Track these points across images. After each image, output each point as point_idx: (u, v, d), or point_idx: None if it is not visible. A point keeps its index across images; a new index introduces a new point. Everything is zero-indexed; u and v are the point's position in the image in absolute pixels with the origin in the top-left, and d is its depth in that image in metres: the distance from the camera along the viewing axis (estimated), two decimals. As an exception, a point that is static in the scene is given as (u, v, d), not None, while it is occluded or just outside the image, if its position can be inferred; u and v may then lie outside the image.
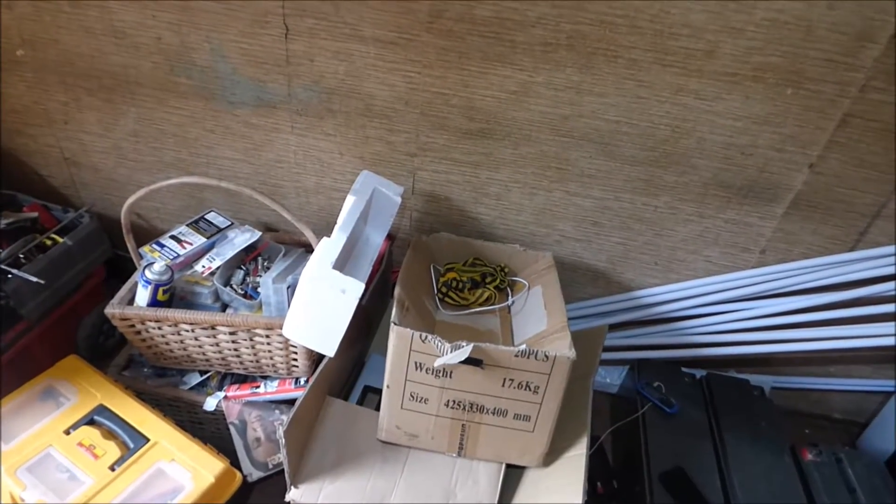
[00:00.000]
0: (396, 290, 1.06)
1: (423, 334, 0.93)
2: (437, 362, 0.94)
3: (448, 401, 0.99)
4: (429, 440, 1.04)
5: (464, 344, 0.92)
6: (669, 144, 1.15)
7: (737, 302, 1.34)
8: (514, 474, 1.08)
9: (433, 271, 1.30)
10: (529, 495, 1.04)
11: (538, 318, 1.14)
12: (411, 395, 0.99)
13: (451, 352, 0.92)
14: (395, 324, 0.94)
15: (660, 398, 1.29)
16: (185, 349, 1.17)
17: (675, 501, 1.11)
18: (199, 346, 1.15)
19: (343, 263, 1.00)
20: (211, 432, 1.23)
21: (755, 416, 1.31)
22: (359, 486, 1.01)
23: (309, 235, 1.05)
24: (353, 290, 0.94)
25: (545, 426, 1.00)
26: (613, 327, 1.44)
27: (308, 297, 0.97)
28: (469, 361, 0.93)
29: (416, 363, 0.96)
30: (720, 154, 1.15)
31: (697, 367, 1.44)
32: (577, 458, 1.02)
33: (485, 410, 1.00)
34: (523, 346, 0.93)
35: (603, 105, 1.12)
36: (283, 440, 0.92)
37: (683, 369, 1.41)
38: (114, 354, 1.28)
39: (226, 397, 1.17)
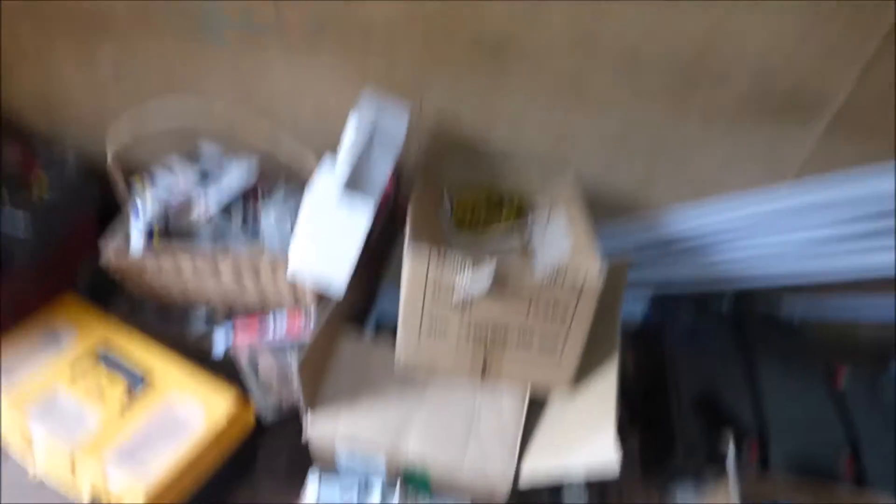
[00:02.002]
0: (409, 218, 0.98)
1: (442, 250, 0.84)
2: (458, 284, 0.86)
3: (469, 329, 0.92)
4: (449, 371, 0.99)
5: (487, 260, 0.84)
6: (701, 58, 1.05)
7: (769, 224, 1.26)
8: (537, 407, 1.03)
9: (446, 197, 1.22)
10: (557, 420, 0.99)
11: (561, 241, 1.07)
12: (430, 325, 0.93)
13: (473, 271, 0.84)
14: (410, 241, 0.87)
15: (686, 326, 1.24)
16: (186, 290, 1.11)
17: (706, 426, 1.07)
18: (202, 286, 1.10)
19: (352, 183, 0.92)
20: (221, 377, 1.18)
21: (786, 343, 1.27)
22: (377, 416, 0.96)
23: (311, 161, 0.98)
24: (363, 206, 0.86)
25: (572, 355, 0.94)
26: (638, 254, 1.37)
27: (315, 222, 0.90)
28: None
29: (434, 285, 0.88)
30: (755, 67, 1.04)
31: (726, 294, 1.38)
32: (607, 382, 0.95)
33: (508, 341, 0.93)
34: (548, 268, 0.86)
35: (627, 19, 1.01)
36: (298, 375, 0.87)
37: (710, 296, 1.34)
38: (115, 295, 1.22)
39: (235, 340, 1.12)
